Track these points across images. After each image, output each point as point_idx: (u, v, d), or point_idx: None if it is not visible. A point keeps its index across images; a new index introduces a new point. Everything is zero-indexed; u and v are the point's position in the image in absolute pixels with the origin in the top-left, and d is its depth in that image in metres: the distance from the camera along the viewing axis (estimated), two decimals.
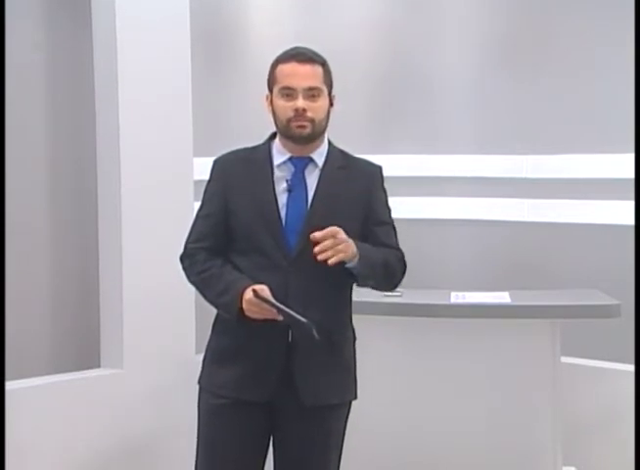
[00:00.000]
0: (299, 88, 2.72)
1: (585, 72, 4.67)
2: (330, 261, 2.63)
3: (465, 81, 4.95)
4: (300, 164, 2.81)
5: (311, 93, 2.73)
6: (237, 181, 2.81)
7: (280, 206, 2.77)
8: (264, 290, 2.66)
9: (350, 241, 2.68)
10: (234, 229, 2.80)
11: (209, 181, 2.87)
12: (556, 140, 4.74)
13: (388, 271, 2.81)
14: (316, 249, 2.63)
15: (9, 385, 3.63)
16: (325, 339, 2.69)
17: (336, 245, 2.64)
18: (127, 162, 3.98)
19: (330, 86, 2.80)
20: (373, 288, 2.91)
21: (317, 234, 2.63)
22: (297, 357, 2.75)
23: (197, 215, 2.88)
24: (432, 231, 4.93)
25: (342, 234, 2.66)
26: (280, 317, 2.64)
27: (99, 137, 4.06)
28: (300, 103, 2.72)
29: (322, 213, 2.75)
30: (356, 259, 2.70)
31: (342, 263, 2.69)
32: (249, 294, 2.65)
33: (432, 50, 4.99)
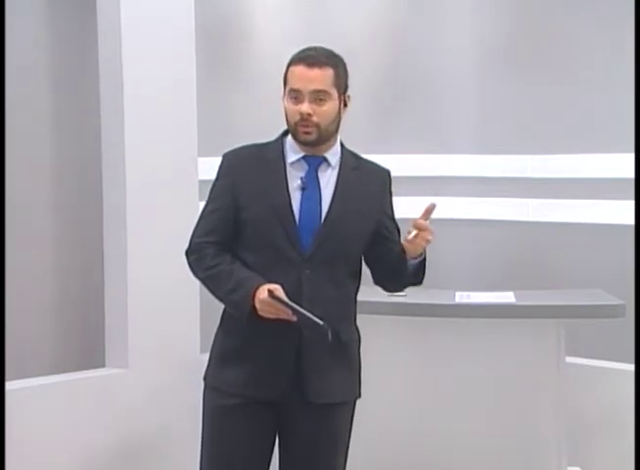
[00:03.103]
0: (305, 91, 2.72)
1: (587, 73, 4.69)
2: (408, 246, 2.74)
3: (468, 81, 4.96)
4: (314, 162, 2.81)
5: (318, 97, 2.73)
6: (248, 177, 2.80)
7: (293, 203, 2.77)
8: (278, 289, 2.65)
9: None
10: (245, 225, 2.78)
11: (218, 176, 2.86)
12: (559, 140, 4.75)
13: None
14: (416, 233, 2.71)
15: (13, 384, 3.64)
16: (335, 338, 2.69)
17: (428, 239, 2.74)
18: (132, 161, 3.98)
19: (342, 88, 2.79)
20: (389, 287, 2.99)
21: (423, 223, 2.73)
22: (307, 356, 2.75)
23: (204, 210, 2.86)
24: (437, 231, 4.91)
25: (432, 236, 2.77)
26: (294, 318, 2.63)
27: (104, 136, 4.06)
28: (305, 107, 2.72)
29: (339, 213, 2.77)
30: (420, 259, 2.80)
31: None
32: (263, 293, 2.64)
33: (434, 50, 5.00)
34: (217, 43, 4.67)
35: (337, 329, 2.72)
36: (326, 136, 2.77)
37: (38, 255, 4.18)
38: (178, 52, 4.12)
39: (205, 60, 4.40)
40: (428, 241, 2.74)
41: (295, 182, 2.79)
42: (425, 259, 2.83)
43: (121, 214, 3.99)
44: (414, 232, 2.72)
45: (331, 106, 2.75)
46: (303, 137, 2.75)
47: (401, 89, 5.06)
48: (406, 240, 2.74)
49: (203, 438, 2.87)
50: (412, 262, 2.79)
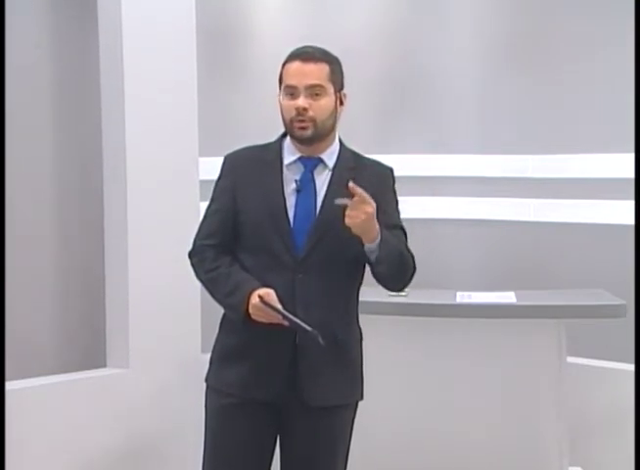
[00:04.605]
0: (301, 86, 2.71)
1: (587, 73, 4.68)
2: (347, 221, 2.58)
3: (468, 81, 4.96)
4: (310, 164, 2.80)
5: (314, 91, 2.71)
6: (247, 179, 2.80)
7: (288, 206, 2.75)
8: (270, 294, 2.65)
9: (375, 221, 2.62)
10: (243, 227, 2.79)
11: (220, 177, 2.86)
12: (559, 140, 4.75)
13: (403, 262, 2.74)
14: (350, 202, 2.56)
15: (14, 384, 3.64)
16: (331, 340, 2.69)
17: (366, 211, 2.58)
18: (133, 161, 3.98)
19: (338, 85, 2.77)
20: (384, 282, 2.79)
21: (357, 189, 2.57)
22: (302, 358, 2.75)
23: (206, 211, 2.87)
24: (439, 231, 4.94)
25: (373, 209, 2.59)
26: (285, 323, 2.64)
27: (104, 136, 4.06)
28: (301, 102, 2.71)
29: (332, 215, 2.72)
30: (377, 241, 2.65)
31: (360, 244, 2.65)
32: (255, 298, 2.65)
33: (434, 50, 5.01)
34: (218, 43, 4.68)
35: (333, 331, 2.73)
36: (322, 132, 2.75)
37: (39, 254, 4.18)
38: (179, 52, 4.11)
39: (206, 60, 4.40)
40: (367, 213, 2.57)
41: (290, 185, 2.77)
42: (389, 244, 2.66)
43: (122, 215, 3.99)
44: (349, 200, 2.56)
45: (327, 101, 2.73)
46: (300, 133, 2.73)
47: (401, 89, 5.07)
48: (346, 212, 2.58)
49: (205, 439, 2.87)
50: (368, 247, 2.65)
